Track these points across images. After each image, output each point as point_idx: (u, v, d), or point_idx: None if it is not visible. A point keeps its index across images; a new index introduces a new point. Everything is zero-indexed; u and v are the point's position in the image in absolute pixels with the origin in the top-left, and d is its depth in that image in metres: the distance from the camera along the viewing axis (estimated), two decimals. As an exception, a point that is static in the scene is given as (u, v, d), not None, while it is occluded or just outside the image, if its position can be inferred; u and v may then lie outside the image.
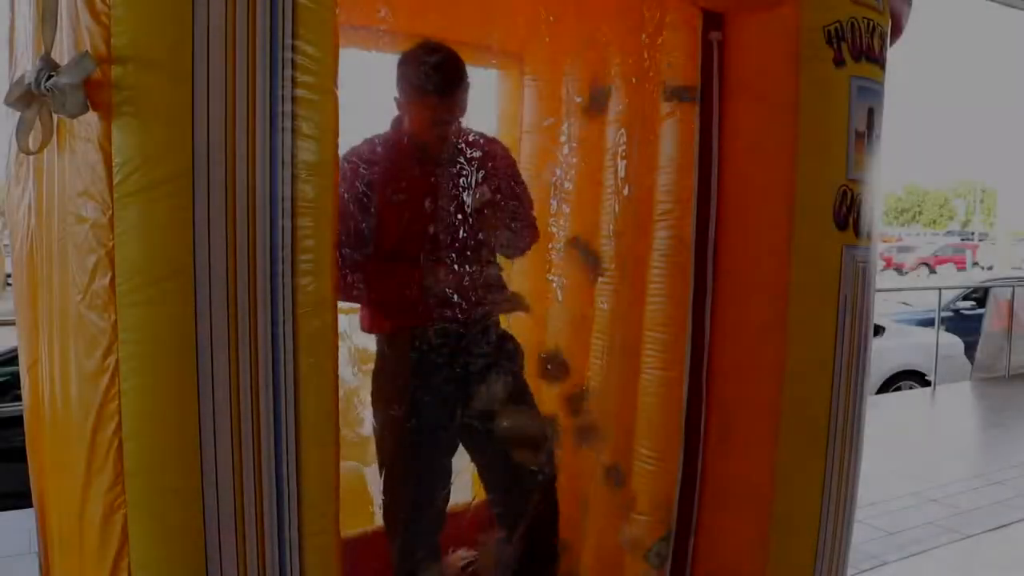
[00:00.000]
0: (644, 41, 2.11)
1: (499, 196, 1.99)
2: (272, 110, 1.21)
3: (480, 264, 1.95)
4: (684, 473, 2.05)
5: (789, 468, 1.89)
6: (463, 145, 1.96)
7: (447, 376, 1.94)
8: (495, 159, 2.04)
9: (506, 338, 2.07)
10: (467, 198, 1.93)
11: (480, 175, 1.95)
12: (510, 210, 2.02)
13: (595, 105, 2.31)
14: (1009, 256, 23.04)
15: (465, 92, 1.95)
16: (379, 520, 2.09)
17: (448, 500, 2.06)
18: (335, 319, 1.34)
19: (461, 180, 1.93)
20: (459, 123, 1.96)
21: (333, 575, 1.36)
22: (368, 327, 2.01)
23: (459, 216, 1.92)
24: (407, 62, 1.93)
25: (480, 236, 1.95)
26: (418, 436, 1.95)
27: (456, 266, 1.92)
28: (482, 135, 2.09)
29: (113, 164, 1.16)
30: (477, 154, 1.96)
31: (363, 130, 1.99)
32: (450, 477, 2.05)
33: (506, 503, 2.06)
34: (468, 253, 1.93)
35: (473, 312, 1.93)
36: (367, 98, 1.93)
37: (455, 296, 1.91)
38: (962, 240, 33.88)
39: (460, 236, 1.92)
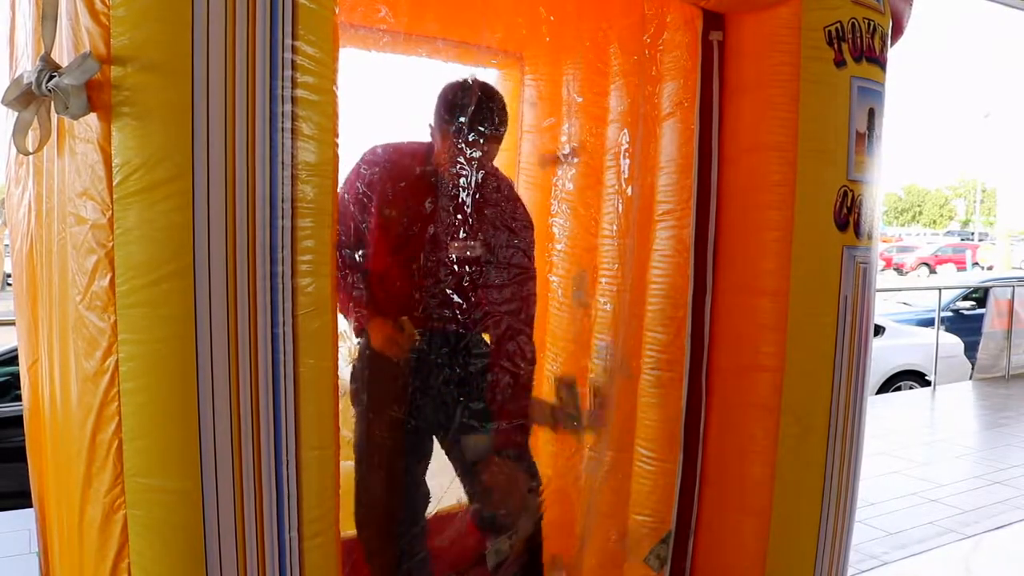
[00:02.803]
0: (645, 40, 2.11)
1: (502, 207, 1.97)
2: (272, 110, 1.21)
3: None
4: (684, 473, 2.05)
5: (789, 468, 1.89)
6: (477, 184, 1.92)
7: (444, 379, 1.94)
8: (504, 206, 2.01)
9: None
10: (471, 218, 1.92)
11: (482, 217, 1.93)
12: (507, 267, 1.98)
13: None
14: (1009, 256, 23.02)
15: (494, 143, 1.92)
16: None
17: (427, 503, 2.06)
18: (335, 319, 1.34)
19: (465, 218, 1.92)
20: (482, 163, 1.93)
21: (333, 575, 1.36)
22: (364, 323, 1.99)
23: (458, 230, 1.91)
24: (447, 95, 1.91)
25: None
26: (412, 438, 1.95)
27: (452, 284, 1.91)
28: (508, 183, 2.06)
29: (113, 165, 1.16)
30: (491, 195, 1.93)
31: (363, 130, 1.98)
32: (425, 482, 2.05)
33: (500, 504, 2.05)
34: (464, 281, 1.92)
35: (472, 314, 1.93)
36: (367, 98, 1.93)
37: (455, 296, 1.91)
38: (962, 240, 33.87)
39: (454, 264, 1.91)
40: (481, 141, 1.89)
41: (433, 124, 1.95)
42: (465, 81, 1.92)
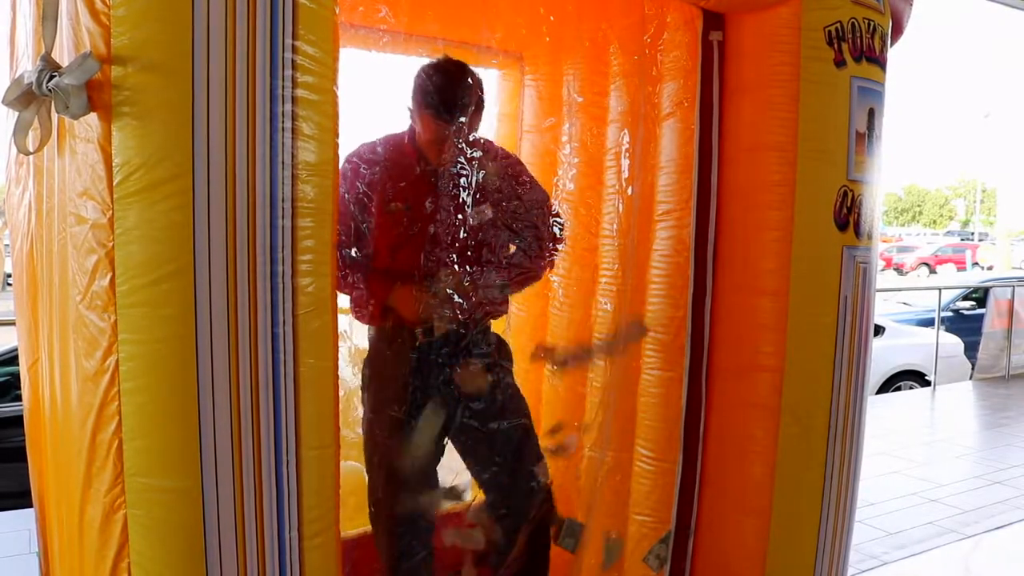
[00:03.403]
0: (645, 40, 2.11)
1: (503, 207, 1.97)
2: (272, 110, 1.21)
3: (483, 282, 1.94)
4: (684, 473, 2.05)
5: (789, 468, 1.89)
6: (463, 156, 1.93)
7: (446, 377, 1.94)
8: (496, 160, 2.02)
9: (501, 340, 2.07)
10: (468, 208, 1.92)
11: (480, 179, 1.93)
12: (519, 221, 1.98)
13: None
14: (1009, 256, 23.03)
15: (471, 116, 1.91)
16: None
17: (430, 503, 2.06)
18: (335, 319, 1.34)
19: (462, 194, 1.92)
20: (463, 139, 1.92)
21: (333, 575, 1.36)
22: (367, 320, 2.00)
23: (459, 229, 1.92)
24: (420, 76, 1.92)
25: (483, 253, 1.94)
26: (412, 433, 1.95)
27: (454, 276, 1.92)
28: (484, 140, 2.06)
29: (113, 164, 1.16)
30: (477, 154, 1.94)
31: (363, 130, 1.99)
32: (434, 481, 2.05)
33: (501, 504, 2.05)
34: (468, 265, 1.92)
35: (473, 313, 1.93)
36: (367, 98, 1.93)
37: (456, 296, 1.91)
38: (962, 240, 33.87)
39: (458, 248, 1.91)
40: (465, 115, 1.89)
41: (412, 108, 1.96)
42: (435, 61, 1.93)
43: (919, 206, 52.54)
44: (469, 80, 1.92)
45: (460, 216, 1.91)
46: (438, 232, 1.90)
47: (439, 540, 2.06)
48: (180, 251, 1.17)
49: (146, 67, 1.15)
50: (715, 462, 2.01)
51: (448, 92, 1.87)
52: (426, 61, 1.97)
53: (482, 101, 1.96)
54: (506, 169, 2.02)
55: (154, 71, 1.15)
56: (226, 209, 1.18)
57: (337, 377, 1.36)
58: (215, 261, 1.18)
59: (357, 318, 1.97)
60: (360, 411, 2.01)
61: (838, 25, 1.82)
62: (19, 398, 2.06)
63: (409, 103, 1.96)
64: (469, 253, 1.92)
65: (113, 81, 1.14)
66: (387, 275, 1.93)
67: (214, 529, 1.22)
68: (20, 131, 1.25)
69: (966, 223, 46.36)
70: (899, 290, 12.50)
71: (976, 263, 26.04)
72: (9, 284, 1.89)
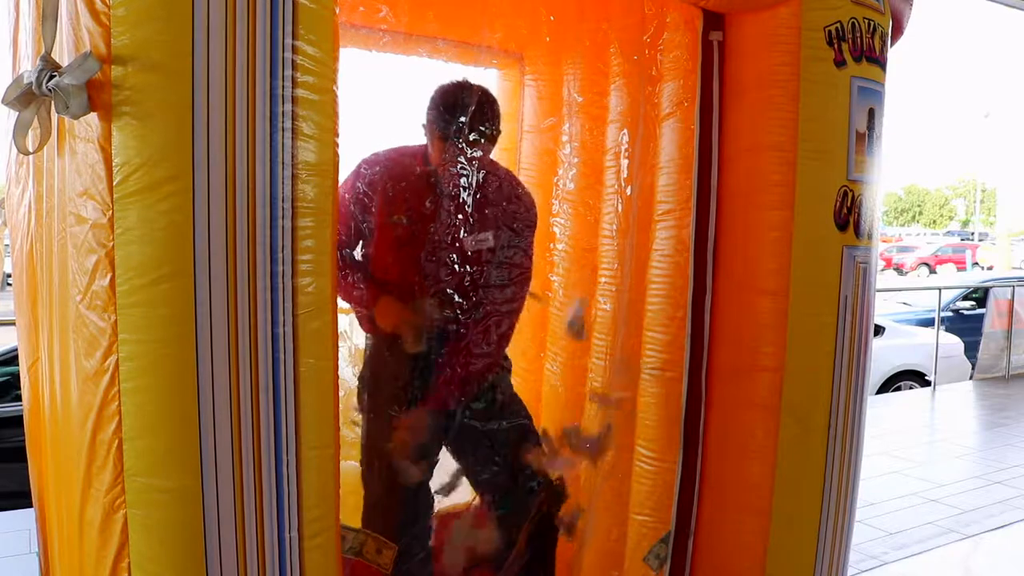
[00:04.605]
0: (645, 40, 2.11)
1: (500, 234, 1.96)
2: (272, 110, 1.21)
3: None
4: (684, 473, 2.05)
5: (789, 468, 1.89)
6: (467, 178, 1.92)
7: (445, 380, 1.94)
8: (509, 200, 2.01)
9: None
10: (472, 221, 1.92)
11: (480, 196, 1.92)
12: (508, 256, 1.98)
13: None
14: (1009, 256, 23.03)
15: (490, 143, 1.91)
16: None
17: (430, 504, 2.06)
18: (335, 319, 1.34)
19: (467, 214, 1.91)
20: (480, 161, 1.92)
21: (333, 575, 1.36)
22: (368, 328, 2.00)
23: (458, 248, 1.92)
24: (438, 98, 1.91)
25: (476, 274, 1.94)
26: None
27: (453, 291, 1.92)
28: (506, 175, 2.06)
29: (113, 164, 1.16)
30: (482, 174, 1.93)
31: (362, 130, 1.99)
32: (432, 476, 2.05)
33: (501, 504, 2.05)
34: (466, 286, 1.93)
35: (473, 315, 1.93)
36: (367, 98, 1.93)
37: (456, 297, 1.92)
38: (962, 240, 33.87)
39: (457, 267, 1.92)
40: (482, 141, 1.89)
41: (426, 125, 1.95)
42: (464, 81, 1.92)
43: (919, 206, 52.55)
44: (497, 107, 1.92)
45: (462, 233, 1.91)
46: (438, 247, 1.90)
47: (438, 540, 2.06)
48: (180, 251, 1.17)
49: (146, 67, 1.15)
50: (715, 462, 2.01)
51: (478, 117, 1.87)
52: (449, 80, 1.95)
53: (497, 128, 1.95)
54: (505, 190, 2.01)
55: (154, 71, 1.15)
56: (226, 209, 1.18)
57: (337, 377, 1.36)
58: (215, 261, 1.18)
59: (360, 324, 1.98)
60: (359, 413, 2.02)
61: (838, 25, 1.82)
62: (19, 398, 2.06)
63: (424, 120, 1.95)
64: (483, 245, 1.93)
65: (113, 81, 1.15)
66: (382, 285, 1.93)
67: (214, 529, 1.22)
68: (20, 131, 1.25)
69: (966, 223, 46.36)
70: (899, 290, 12.47)
71: (976, 263, 26.03)
72: (9, 284, 1.89)
